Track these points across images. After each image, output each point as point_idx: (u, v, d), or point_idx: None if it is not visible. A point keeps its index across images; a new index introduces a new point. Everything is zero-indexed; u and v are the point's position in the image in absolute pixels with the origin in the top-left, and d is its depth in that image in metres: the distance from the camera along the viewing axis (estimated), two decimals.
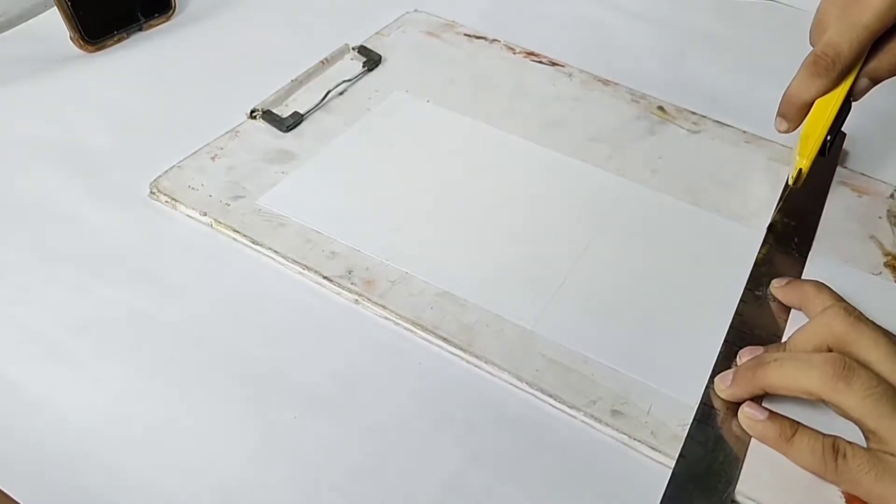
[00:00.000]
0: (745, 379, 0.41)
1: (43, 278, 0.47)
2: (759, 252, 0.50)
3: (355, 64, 0.63)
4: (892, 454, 0.37)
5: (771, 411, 0.40)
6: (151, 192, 0.52)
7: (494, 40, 0.67)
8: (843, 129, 0.52)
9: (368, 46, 0.64)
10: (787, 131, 0.52)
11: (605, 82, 0.63)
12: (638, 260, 0.50)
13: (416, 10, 0.69)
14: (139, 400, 0.41)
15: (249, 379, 0.43)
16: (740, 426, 0.41)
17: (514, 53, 0.66)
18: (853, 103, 0.51)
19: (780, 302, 0.47)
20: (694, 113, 0.61)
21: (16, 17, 0.66)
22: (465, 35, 0.67)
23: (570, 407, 0.42)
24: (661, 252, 0.50)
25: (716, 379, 0.43)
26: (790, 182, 0.50)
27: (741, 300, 0.47)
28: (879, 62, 0.50)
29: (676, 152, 0.58)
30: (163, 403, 0.41)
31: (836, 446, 0.38)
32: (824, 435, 0.39)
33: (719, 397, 0.42)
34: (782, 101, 0.51)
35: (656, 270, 0.49)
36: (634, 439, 0.41)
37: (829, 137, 0.50)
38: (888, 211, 0.54)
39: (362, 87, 0.61)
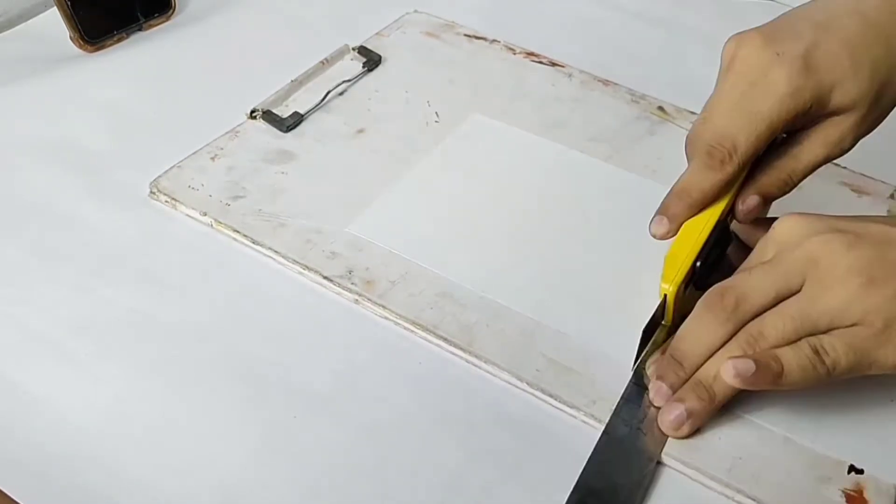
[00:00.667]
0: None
1: (43, 278, 0.47)
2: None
3: (355, 64, 0.63)
4: (856, 324, 0.39)
5: (753, 357, 0.39)
6: (151, 192, 0.52)
7: (494, 41, 0.67)
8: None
9: (368, 47, 0.64)
10: (665, 236, 0.44)
11: (605, 82, 0.63)
12: None
13: (416, 11, 0.69)
14: (139, 400, 0.41)
15: (249, 379, 0.43)
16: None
17: (514, 54, 0.66)
18: (735, 225, 0.46)
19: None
20: (694, 113, 0.61)
21: (16, 17, 0.66)
22: (465, 35, 0.67)
23: (570, 407, 0.42)
24: None
25: (648, 362, 0.43)
26: (657, 312, 0.43)
27: None
28: (769, 177, 0.45)
29: (676, 152, 0.57)
30: (163, 403, 0.41)
31: (814, 349, 0.39)
32: (795, 344, 0.39)
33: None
34: (667, 197, 0.44)
35: None
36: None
37: (697, 263, 0.43)
38: (888, 211, 0.54)
39: (362, 88, 0.61)
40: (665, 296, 0.43)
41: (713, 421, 0.41)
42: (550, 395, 0.42)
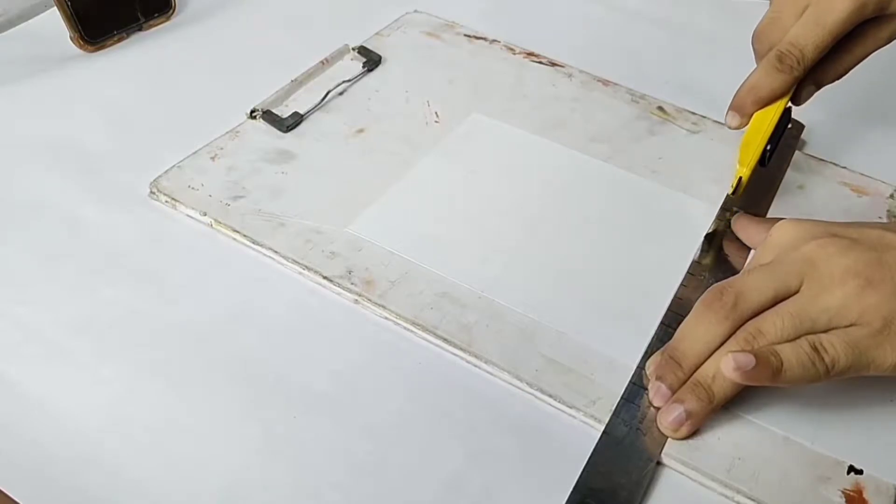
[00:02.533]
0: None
1: (43, 278, 0.47)
2: (694, 257, 0.50)
3: (355, 64, 0.63)
4: (853, 324, 0.39)
5: (753, 352, 0.40)
6: (151, 192, 0.52)
7: (494, 41, 0.67)
8: (800, 121, 0.52)
9: (368, 47, 0.64)
10: (738, 126, 0.50)
11: (605, 82, 0.63)
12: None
13: (416, 11, 0.69)
14: (139, 400, 0.41)
15: (249, 379, 0.43)
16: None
17: (514, 54, 0.66)
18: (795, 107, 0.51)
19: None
20: (694, 113, 0.61)
21: (16, 17, 0.66)
22: (465, 35, 0.67)
23: (570, 407, 0.42)
24: None
25: (647, 362, 0.43)
26: (730, 191, 0.50)
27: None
28: (826, 69, 0.50)
29: (676, 152, 0.58)
30: (163, 403, 0.41)
31: (813, 346, 0.39)
32: (795, 341, 0.40)
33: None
34: (738, 95, 0.50)
35: None
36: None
37: (768, 147, 0.49)
38: (888, 211, 0.54)
39: (362, 88, 0.61)
40: (740, 178, 0.49)
41: (712, 421, 0.41)
42: (550, 395, 0.42)
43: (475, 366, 0.44)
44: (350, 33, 0.65)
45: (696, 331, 0.41)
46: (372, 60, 0.63)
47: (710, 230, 0.51)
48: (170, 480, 0.38)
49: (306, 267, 0.48)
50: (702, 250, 0.50)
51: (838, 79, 0.51)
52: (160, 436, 0.40)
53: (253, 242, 0.49)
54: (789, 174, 0.56)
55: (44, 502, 0.37)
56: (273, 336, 0.45)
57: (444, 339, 0.45)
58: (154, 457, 0.39)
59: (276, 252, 0.48)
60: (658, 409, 0.41)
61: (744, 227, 0.50)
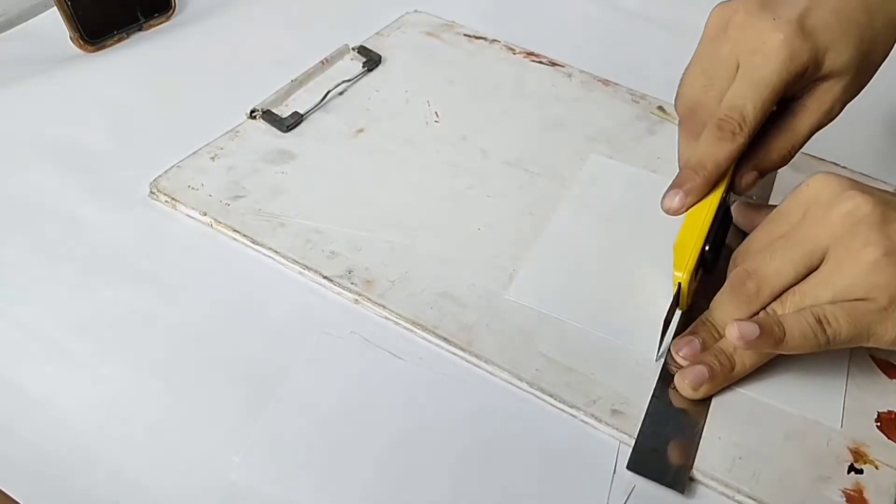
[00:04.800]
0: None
1: (43, 278, 0.47)
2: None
3: (355, 64, 0.63)
4: (861, 298, 0.40)
5: (757, 321, 0.41)
6: (151, 192, 0.52)
7: (494, 41, 0.67)
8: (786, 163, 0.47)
9: (368, 47, 0.64)
10: (679, 211, 0.45)
11: (605, 82, 0.63)
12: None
13: (416, 11, 0.69)
14: (139, 400, 0.41)
15: (249, 379, 0.43)
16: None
17: (514, 54, 0.66)
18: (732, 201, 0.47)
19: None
20: None
21: (16, 17, 0.66)
22: (465, 35, 0.67)
23: (570, 406, 0.42)
24: None
25: (671, 346, 0.44)
26: (672, 301, 0.44)
27: None
28: (768, 150, 0.46)
29: (676, 152, 0.58)
30: (163, 403, 0.41)
31: (817, 318, 0.40)
32: (799, 312, 0.40)
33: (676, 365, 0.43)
34: (681, 172, 0.45)
35: None
36: (634, 438, 0.41)
37: (706, 247, 0.44)
38: None
39: (362, 88, 0.61)
40: (679, 284, 0.43)
41: (712, 421, 0.42)
42: (550, 395, 0.42)
43: (475, 366, 0.44)
44: (350, 33, 0.65)
45: (725, 309, 0.43)
46: (372, 60, 0.63)
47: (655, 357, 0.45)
48: (170, 480, 0.38)
49: (306, 267, 0.48)
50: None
51: (783, 163, 0.47)
52: (160, 436, 0.40)
53: (253, 242, 0.49)
54: (789, 174, 0.56)
55: (44, 502, 0.37)
56: (273, 336, 0.45)
57: (444, 339, 0.44)
58: (154, 457, 0.39)
59: (276, 252, 0.48)
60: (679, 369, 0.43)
61: (744, 213, 0.49)
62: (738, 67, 0.45)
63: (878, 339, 0.40)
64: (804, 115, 0.46)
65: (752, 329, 0.40)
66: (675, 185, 0.45)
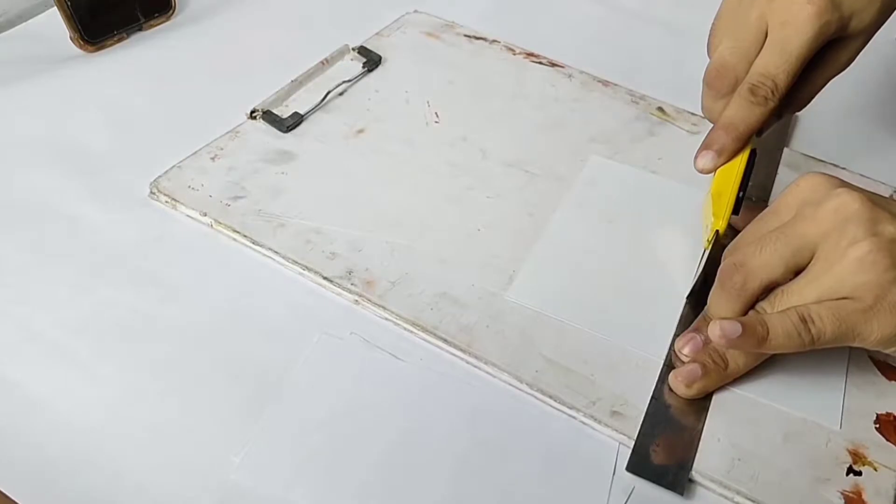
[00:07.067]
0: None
1: (43, 278, 0.47)
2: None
3: (355, 64, 0.63)
4: (846, 297, 0.40)
5: (739, 320, 0.41)
6: (151, 192, 0.52)
7: (494, 41, 0.67)
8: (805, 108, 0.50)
9: (368, 47, 0.64)
10: (712, 169, 0.47)
11: (605, 83, 0.63)
12: None
13: (416, 11, 0.69)
14: (139, 400, 0.41)
15: (249, 379, 0.43)
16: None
17: (514, 54, 0.66)
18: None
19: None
20: (694, 114, 0.61)
21: (16, 17, 0.66)
22: (465, 36, 0.67)
23: (570, 407, 0.42)
24: None
25: (675, 343, 0.44)
26: (706, 246, 0.46)
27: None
28: (788, 100, 0.48)
29: (676, 153, 0.58)
30: (163, 403, 0.41)
31: (801, 317, 0.40)
32: (784, 311, 0.40)
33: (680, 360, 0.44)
34: (714, 132, 0.47)
35: None
36: (634, 440, 0.41)
37: (741, 194, 0.47)
38: None
39: (362, 88, 0.61)
40: (717, 231, 0.46)
41: (712, 422, 0.42)
42: (550, 396, 0.42)
43: (475, 367, 0.44)
44: (350, 33, 0.65)
45: (716, 302, 0.43)
46: (372, 60, 0.63)
47: (690, 290, 0.47)
48: (169, 480, 0.38)
49: (306, 267, 0.48)
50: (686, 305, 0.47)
51: (798, 110, 0.51)
52: (160, 436, 0.40)
53: (253, 243, 0.49)
54: (788, 174, 0.56)
55: (44, 502, 0.37)
56: (273, 336, 0.45)
57: (444, 340, 0.45)
58: (154, 457, 0.39)
59: (276, 252, 0.48)
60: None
61: (741, 217, 0.49)
62: (766, 34, 0.47)
63: (864, 340, 0.40)
64: (823, 67, 0.49)
65: (734, 328, 0.40)
66: (706, 145, 0.47)
